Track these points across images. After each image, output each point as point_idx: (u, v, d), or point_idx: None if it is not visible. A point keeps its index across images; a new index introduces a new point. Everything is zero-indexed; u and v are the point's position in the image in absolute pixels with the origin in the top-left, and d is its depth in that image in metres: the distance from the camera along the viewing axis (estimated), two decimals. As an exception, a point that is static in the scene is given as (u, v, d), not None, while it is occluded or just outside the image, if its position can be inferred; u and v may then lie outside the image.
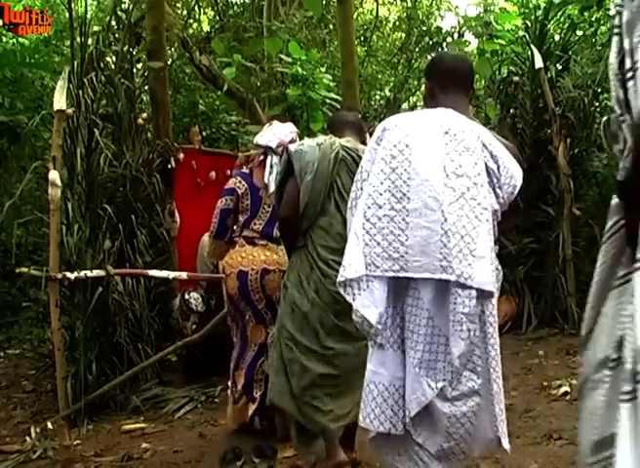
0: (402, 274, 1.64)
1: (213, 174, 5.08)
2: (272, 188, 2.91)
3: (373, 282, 1.66)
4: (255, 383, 3.05)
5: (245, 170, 3.34)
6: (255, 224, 3.05)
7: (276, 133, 3.08)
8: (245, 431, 3.10)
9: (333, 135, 2.63)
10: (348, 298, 1.70)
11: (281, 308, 2.58)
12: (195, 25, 9.41)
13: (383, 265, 1.65)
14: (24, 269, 3.50)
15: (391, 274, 1.65)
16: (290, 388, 2.45)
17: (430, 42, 7.95)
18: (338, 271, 1.80)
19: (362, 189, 1.76)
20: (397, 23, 10.28)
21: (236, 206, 3.05)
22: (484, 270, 1.62)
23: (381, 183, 1.70)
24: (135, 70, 4.62)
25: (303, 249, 2.49)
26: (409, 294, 1.68)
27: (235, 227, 3.10)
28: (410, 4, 9.66)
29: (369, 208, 1.70)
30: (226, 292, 3.13)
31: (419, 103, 8.67)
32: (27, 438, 3.28)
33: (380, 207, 1.68)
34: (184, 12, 8.95)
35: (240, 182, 3.07)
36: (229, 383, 3.19)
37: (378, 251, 1.66)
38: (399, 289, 1.70)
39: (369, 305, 1.66)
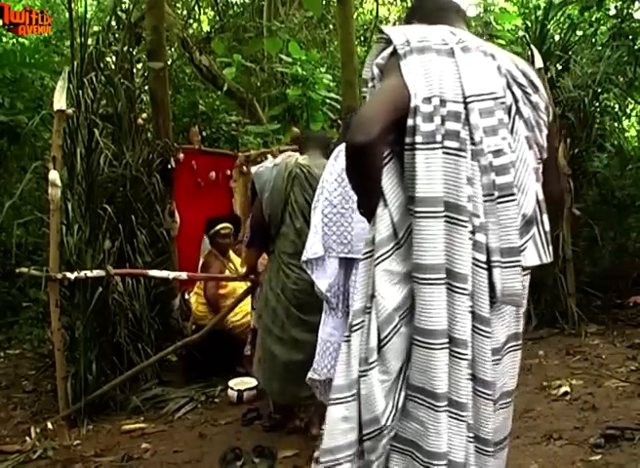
0: (349, 255, 2.29)
1: (213, 174, 5.09)
2: None
3: (326, 260, 2.33)
4: None
5: None
6: None
7: None
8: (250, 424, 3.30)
9: (301, 150, 3.07)
10: (309, 272, 2.37)
11: (258, 303, 3.00)
12: (195, 25, 9.42)
13: (337, 249, 2.34)
14: (24, 269, 3.50)
15: (342, 255, 2.32)
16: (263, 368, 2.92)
17: (430, 42, 8.00)
18: (294, 272, 2.71)
19: (322, 194, 2.40)
20: (397, 23, 10.29)
21: None
22: None
23: (335, 190, 2.38)
24: (135, 70, 4.61)
25: (273, 253, 2.92)
26: (353, 272, 2.25)
27: None
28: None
29: (326, 207, 2.37)
30: None
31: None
32: (27, 438, 3.27)
33: (335, 206, 2.37)
34: (184, 12, 8.96)
35: None
36: None
37: (334, 238, 2.34)
38: (348, 268, 2.31)
39: (322, 277, 2.32)
